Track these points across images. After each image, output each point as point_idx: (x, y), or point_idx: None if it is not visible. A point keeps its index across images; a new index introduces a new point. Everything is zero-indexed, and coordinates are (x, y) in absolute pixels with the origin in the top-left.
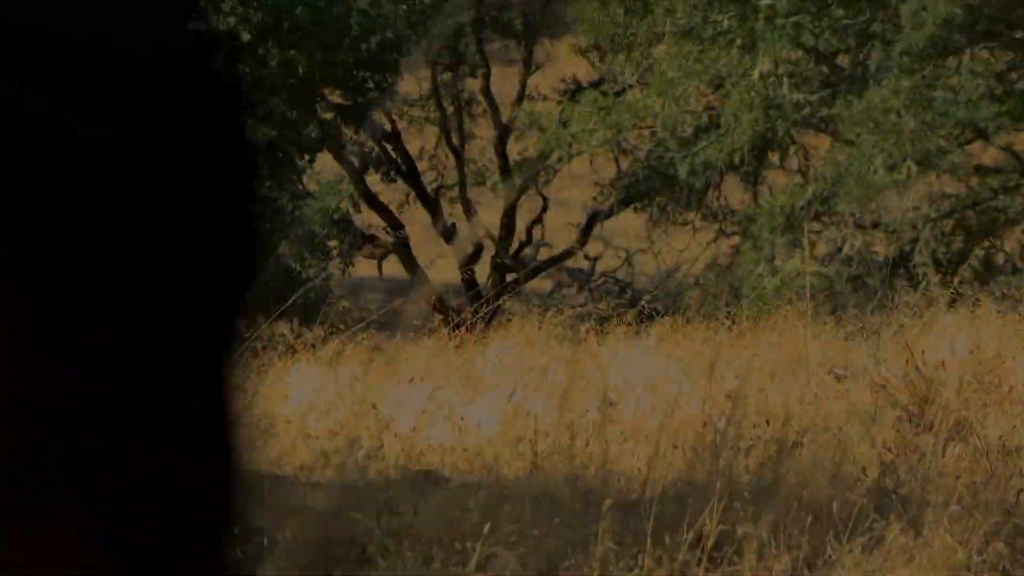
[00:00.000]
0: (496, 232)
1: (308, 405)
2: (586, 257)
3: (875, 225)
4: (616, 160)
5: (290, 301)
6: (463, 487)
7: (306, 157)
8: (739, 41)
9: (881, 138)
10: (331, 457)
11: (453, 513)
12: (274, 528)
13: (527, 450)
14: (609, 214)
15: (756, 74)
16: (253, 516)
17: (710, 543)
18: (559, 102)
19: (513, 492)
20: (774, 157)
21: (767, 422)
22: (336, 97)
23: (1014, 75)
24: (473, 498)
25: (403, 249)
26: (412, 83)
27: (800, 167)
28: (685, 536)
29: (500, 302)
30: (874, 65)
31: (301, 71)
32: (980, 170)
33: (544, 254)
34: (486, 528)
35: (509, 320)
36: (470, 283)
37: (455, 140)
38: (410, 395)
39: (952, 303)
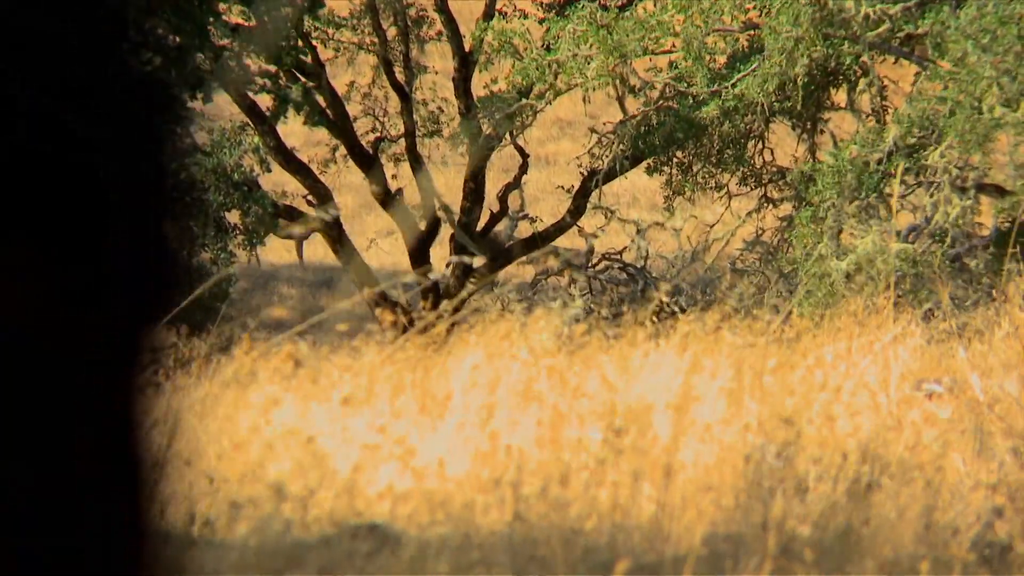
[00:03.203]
0: (459, 201)
1: (210, 438)
2: (582, 234)
3: (980, 187)
4: (620, 99)
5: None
6: (423, 547)
7: (195, 96)
8: None
9: (997, 54)
10: (244, 508)
11: None
12: None
13: (507, 496)
14: (612, 175)
15: None
16: None
17: None
18: (542, 20)
19: (490, 553)
20: (838, 94)
21: (832, 456)
22: (235, 16)
23: None
24: (436, 561)
25: (331, 225)
26: None
27: (875, 107)
28: None
29: (466, 297)
30: None
31: None
32: None
33: (525, 230)
34: None
35: (479, 321)
36: (424, 271)
37: (399, 74)
38: (349, 423)
39: None
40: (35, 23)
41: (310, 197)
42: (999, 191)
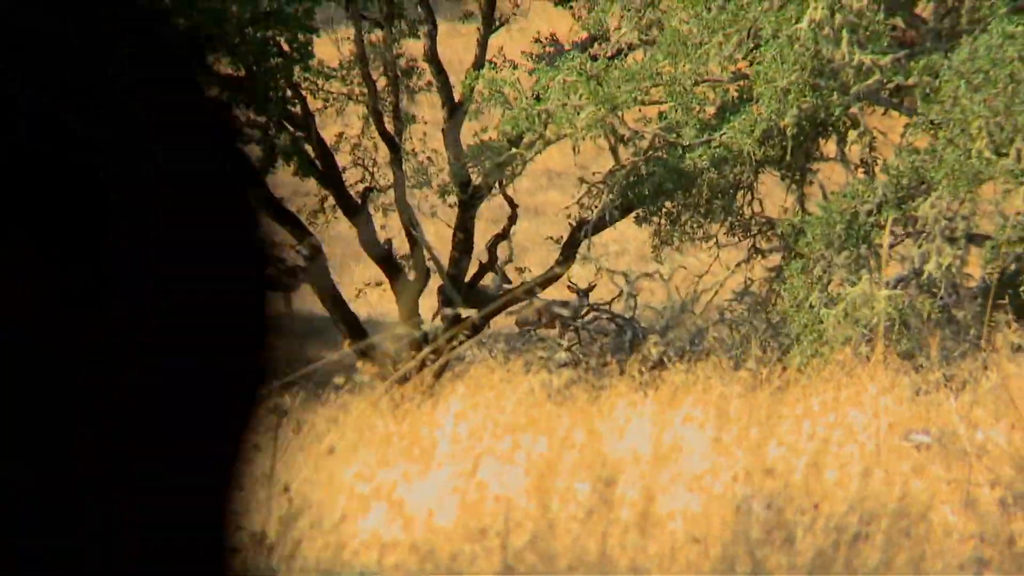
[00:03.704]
0: (447, 251)
1: None
2: (571, 287)
3: (970, 237)
4: (612, 149)
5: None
6: None
7: None
8: None
9: (990, 94)
10: (227, 558)
11: None
12: None
13: (495, 546)
14: (601, 225)
15: (804, 25)
16: None
17: None
18: (532, 70)
19: None
20: (828, 145)
21: (820, 506)
22: (224, 65)
23: None
24: None
25: (319, 276)
26: (329, 46)
27: (864, 158)
28: None
29: (454, 347)
30: (965, 17)
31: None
32: None
33: (513, 280)
34: None
35: (467, 371)
36: (413, 321)
37: (389, 124)
38: (335, 473)
39: None
40: (35, 23)
41: (297, 246)
42: (988, 241)
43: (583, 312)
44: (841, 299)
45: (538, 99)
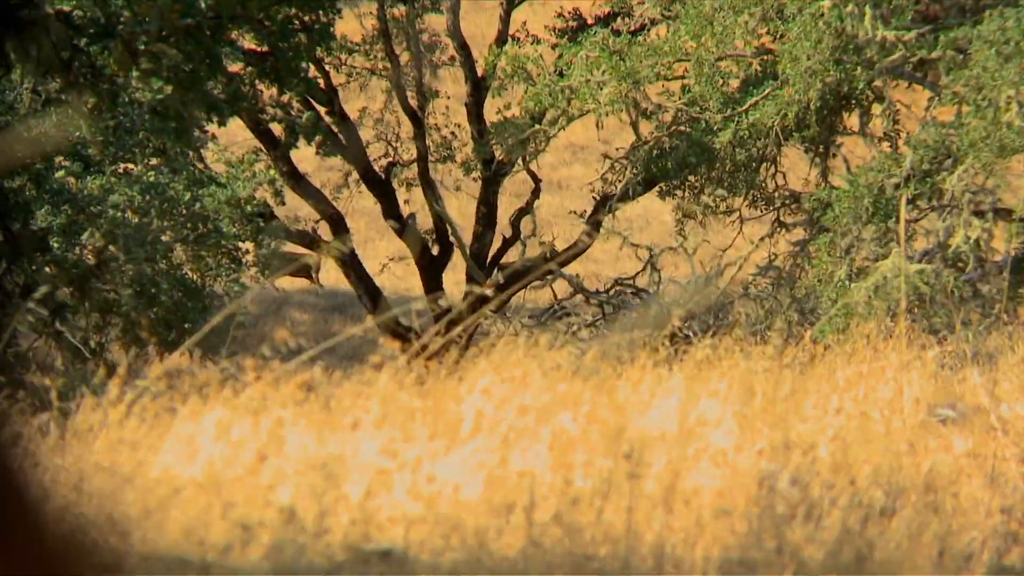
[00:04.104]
0: (471, 226)
1: (225, 464)
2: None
3: (996, 211)
4: (634, 124)
5: (204, 330)
6: (435, 572)
7: (209, 125)
8: None
9: (1020, 64)
10: (257, 533)
11: None
12: None
13: (521, 521)
14: (625, 199)
15: (827, 2)
16: None
17: None
18: (555, 45)
19: None
20: (852, 119)
21: (847, 481)
22: (249, 42)
23: None
24: None
25: (343, 251)
26: (352, 21)
27: (887, 132)
28: None
29: (479, 322)
30: None
31: (202, 5)
32: None
33: (537, 254)
34: None
35: (493, 346)
36: (437, 296)
37: (412, 99)
38: (361, 449)
39: None
40: None
41: (321, 222)
42: (1012, 216)
43: (608, 286)
44: (870, 273)
45: (561, 75)
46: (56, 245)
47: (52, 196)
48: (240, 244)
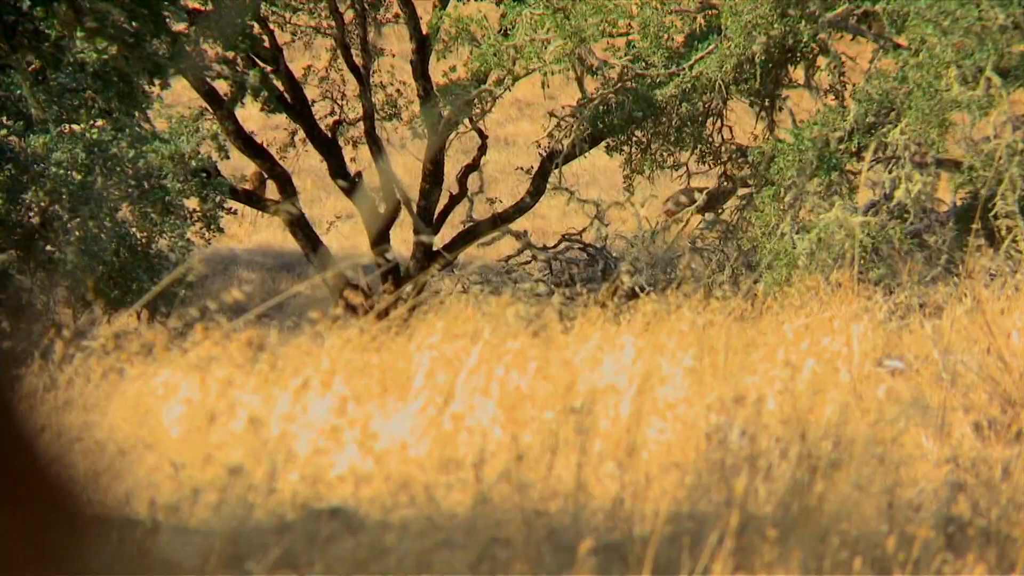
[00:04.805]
0: (418, 183)
1: (171, 423)
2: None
3: (940, 163)
4: (579, 81)
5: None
6: (385, 529)
7: (153, 84)
8: None
9: (958, 38)
10: (205, 493)
11: (373, 564)
12: None
13: (469, 477)
14: (571, 156)
15: None
16: (97, 573)
17: None
18: (499, 2)
19: (453, 535)
20: (797, 72)
21: (796, 434)
22: (192, 1)
23: None
24: (400, 544)
25: (293, 213)
26: None
27: (833, 85)
28: None
29: (427, 279)
30: None
31: None
32: None
33: (484, 212)
34: None
35: (441, 303)
36: (384, 249)
37: (357, 58)
38: (309, 407)
39: None
40: None
41: (266, 178)
42: (958, 167)
43: (555, 243)
44: (813, 226)
45: (506, 35)
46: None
47: None
48: (185, 200)
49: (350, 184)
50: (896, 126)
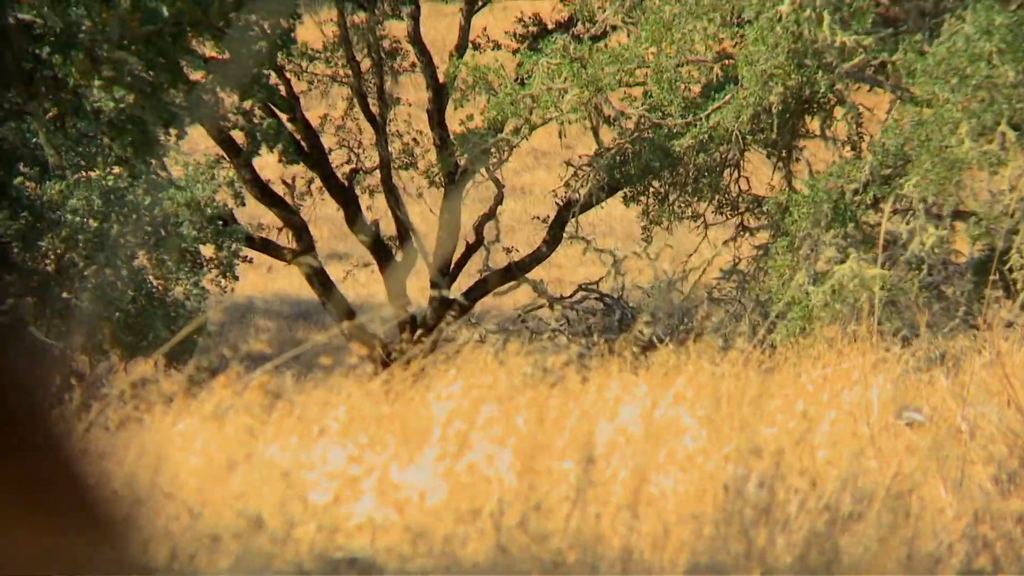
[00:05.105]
0: (434, 232)
1: (190, 472)
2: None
3: (956, 215)
4: (595, 131)
5: (174, 340)
6: None
7: (170, 132)
8: None
9: (967, 95)
10: (224, 542)
11: None
12: None
13: (488, 527)
14: (588, 205)
15: (786, 7)
16: None
17: None
18: (516, 51)
19: None
20: (813, 123)
21: (813, 485)
22: (209, 49)
23: None
24: None
25: (307, 258)
26: (313, 28)
27: (850, 136)
28: None
29: (443, 328)
30: None
31: (163, 12)
32: None
33: (500, 261)
34: None
35: (458, 352)
36: (401, 302)
37: (373, 106)
38: (328, 456)
39: None
40: None
41: (286, 226)
42: (972, 218)
43: (572, 292)
44: (828, 277)
45: (522, 84)
46: (16, 251)
47: (11, 202)
48: (200, 247)
49: (368, 234)
50: (911, 178)
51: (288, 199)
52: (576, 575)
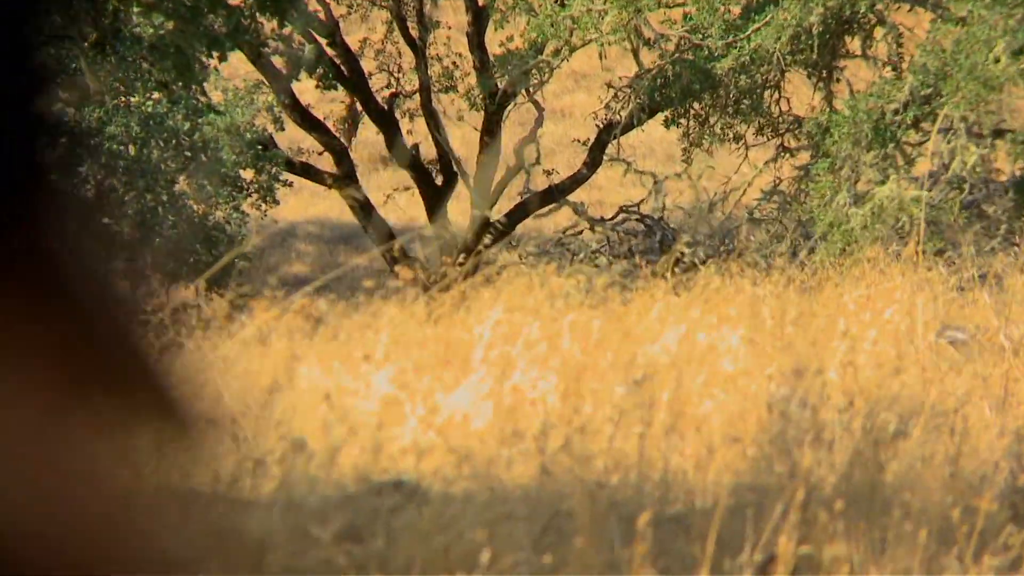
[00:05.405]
0: (474, 155)
1: (233, 396)
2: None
3: (997, 133)
4: (635, 53)
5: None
6: (448, 502)
7: (212, 57)
8: None
9: (1006, 11)
10: (268, 465)
11: (436, 538)
12: (191, 563)
13: (532, 449)
14: (628, 127)
15: None
16: (160, 546)
17: (785, 568)
18: None
19: (516, 507)
20: (854, 43)
21: (856, 405)
22: None
23: None
24: (463, 516)
25: (347, 181)
26: None
27: (891, 55)
28: (751, 559)
29: (484, 251)
30: None
31: None
32: None
33: (541, 183)
34: (482, 556)
35: (498, 275)
36: (441, 225)
37: (413, 30)
38: (370, 380)
39: None
40: None
41: (325, 151)
42: (1016, 138)
43: (613, 214)
44: (869, 198)
45: (562, 5)
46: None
47: (50, 129)
48: (240, 172)
49: (407, 157)
50: (951, 97)
51: (335, 128)
52: (620, 497)
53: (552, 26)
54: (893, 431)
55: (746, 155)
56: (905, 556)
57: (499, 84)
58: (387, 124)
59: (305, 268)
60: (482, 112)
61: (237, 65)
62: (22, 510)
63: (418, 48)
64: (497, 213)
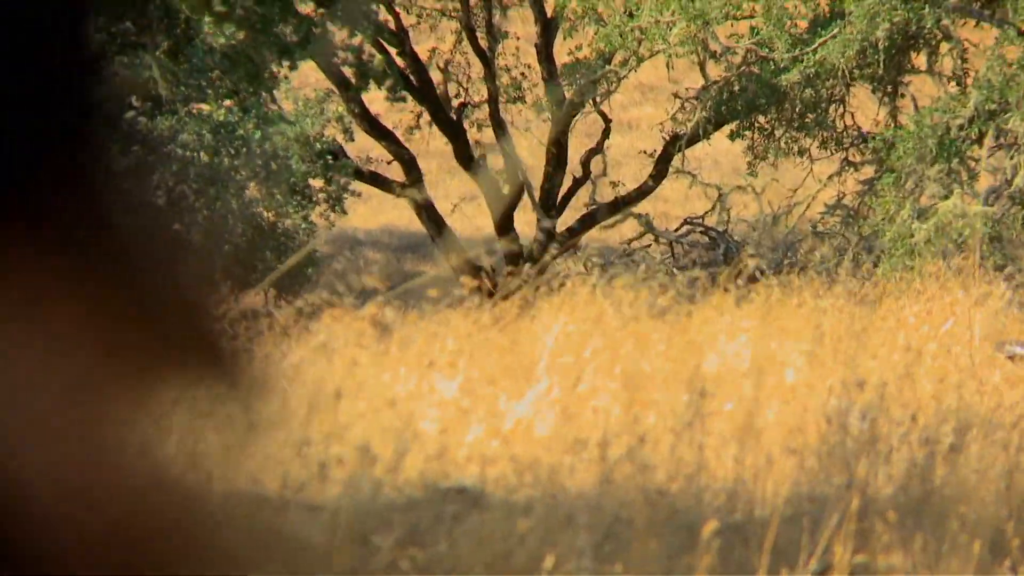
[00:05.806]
0: (541, 166)
1: (299, 402)
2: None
3: None
4: (702, 65)
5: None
6: (511, 509)
7: (281, 66)
8: None
9: None
10: (333, 471)
11: (499, 544)
12: (257, 567)
13: (594, 458)
14: (694, 139)
15: None
16: (227, 550)
17: None
18: None
19: (577, 514)
20: (919, 58)
21: (915, 417)
22: None
23: None
24: (525, 523)
25: (416, 197)
26: None
27: (955, 71)
28: (809, 568)
29: (550, 261)
30: None
31: None
32: None
33: (607, 195)
34: (545, 563)
35: (563, 285)
36: (509, 236)
37: (482, 40)
38: (436, 387)
39: None
40: None
41: (395, 161)
42: None
43: (677, 227)
44: (932, 213)
45: (631, 16)
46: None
47: (122, 137)
48: (310, 181)
49: (475, 167)
50: (1018, 112)
51: (399, 133)
52: (680, 505)
53: (620, 36)
54: (950, 444)
55: (810, 169)
56: (959, 566)
57: (566, 94)
58: (456, 134)
59: (376, 279)
60: (549, 123)
61: (307, 74)
62: (100, 512)
63: (487, 58)
64: (563, 224)
